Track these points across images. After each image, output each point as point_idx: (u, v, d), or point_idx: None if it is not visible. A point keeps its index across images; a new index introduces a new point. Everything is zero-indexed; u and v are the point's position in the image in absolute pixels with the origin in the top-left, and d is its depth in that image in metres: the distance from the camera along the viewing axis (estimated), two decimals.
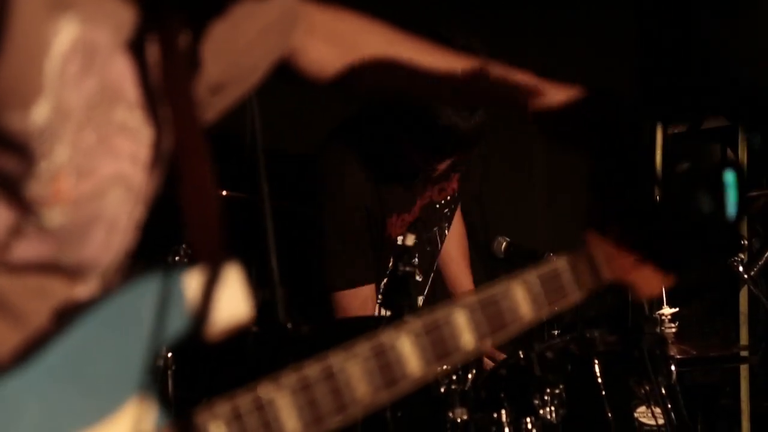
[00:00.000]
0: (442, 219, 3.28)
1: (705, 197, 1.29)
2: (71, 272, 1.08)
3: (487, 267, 3.58)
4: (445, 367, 1.19)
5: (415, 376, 1.15)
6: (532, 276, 1.25)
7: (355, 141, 3.07)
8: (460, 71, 1.43)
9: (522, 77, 1.39)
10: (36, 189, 1.01)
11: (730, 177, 1.27)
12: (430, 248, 3.23)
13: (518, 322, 1.22)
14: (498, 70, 1.40)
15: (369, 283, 3.05)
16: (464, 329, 1.19)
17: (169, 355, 2.41)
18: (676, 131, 4.05)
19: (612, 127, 1.36)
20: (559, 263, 1.26)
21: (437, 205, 3.22)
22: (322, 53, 1.42)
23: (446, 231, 3.31)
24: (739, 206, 1.26)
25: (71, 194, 1.03)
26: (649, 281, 1.27)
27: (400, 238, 3.11)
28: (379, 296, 3.13)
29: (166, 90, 1.09)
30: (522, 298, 1.23)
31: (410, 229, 2.59)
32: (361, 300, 3.00)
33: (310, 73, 1.43)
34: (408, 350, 1.15)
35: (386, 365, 1.13)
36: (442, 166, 3.01)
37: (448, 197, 3.27)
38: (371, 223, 3.07)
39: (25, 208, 1.02)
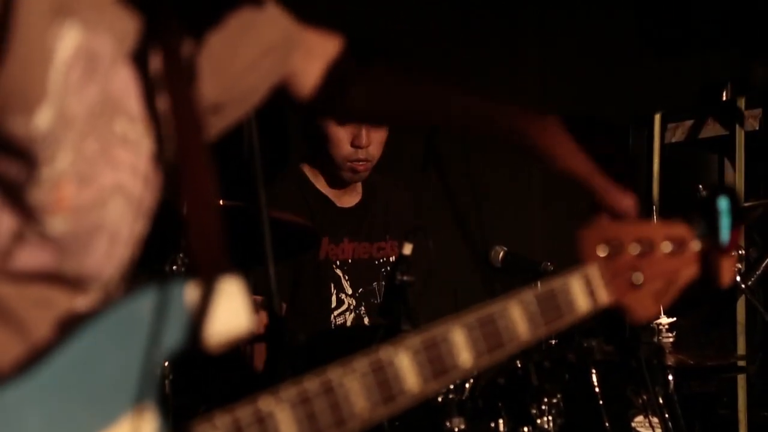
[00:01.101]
0: (380, 277, 3.33)
1: (700, 224, 1.30)
2: (73, 283, 1.08)
3: (484, 276, 3.58)
4: (443, 385, 1.18)
5: (413, 393, 1.15)
6: (529, 296, 1.25)
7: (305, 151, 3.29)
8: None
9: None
10: (38, 195, 1.02)
11: (723, 203, 1.27)
12: (374, 300, 3.28)
13: (515, 342, 1.23)
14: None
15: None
16: (462, 347, 1.19)
17: (166, 364, 2.41)
18: (673, 140, 4.06)
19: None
20: (556, 283, 1.27)
21: (376, 262, 3.29)
22: (319, 77, 1.42)
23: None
24: (732, 232, 1.27)
25: (73, 202, 1.03)
26: (645, 303, 1.28)
27: (333, 265, 3.20)
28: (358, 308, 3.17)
29: (169, 102, 1.09)
30: (519, 318, 1.23)
31: (408, 238, 2.59)
32: None
33: (306, 96, 1.43)
34: (406, 366, 1.15)
35: (384, 381, 1.13)
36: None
37: (386, 258, 3.34)
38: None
39: (27, 214, 1.02)
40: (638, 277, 1.27)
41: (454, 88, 1.45)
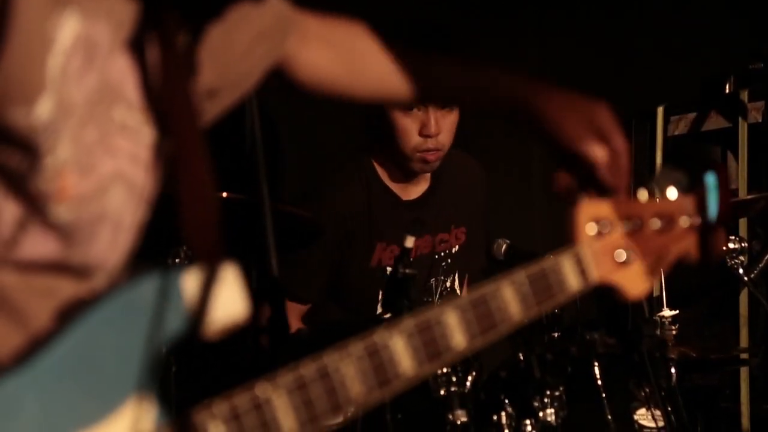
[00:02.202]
0: (440, 272, 3.20)
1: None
2: (78, 272, 1.09)
3: (487, 269, 3.58)
4: (438, 367, 1.19)
5: (407, 376, 1.16)
6: (521, 276, 1.26)
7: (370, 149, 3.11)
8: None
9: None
10: (41, 185, 1.02)
11: (711, 179, 1.28)
12: (428, 299, 3.15)
13: (508, 322, 1.23)
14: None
15: (303, 303, 3.03)
16: (455, 329, 1.20)
17: (170, 354, 2.41)
18: (676, 133, 4.06)
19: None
20: (547, 263, 1.27)
21: (436, 256, 3.16)
22: (316, 59, 1.42)
23: (446, 285, 3.24)
24: (720, 207, 1.27)
25: (75, 191, 1.04)
26: (636, 281, 1.28)
27: (390, 269, 3.07)
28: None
29: (166, 91, 1.09)
30: (511, 298, 1.24)
31: (410, 232, 2.58)
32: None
33: (304, 80, 1.43)
34: (401, 350, 1.16)
35: (379, 365, 1.14)
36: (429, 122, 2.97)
37: (448, 250, 3.20)
38: (354, 245, 3.05)
39: (31, 203, 1.03)
40: (621, 254, 1.27)
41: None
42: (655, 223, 1.29)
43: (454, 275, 3.21)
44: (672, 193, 1.30)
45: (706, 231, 1.29)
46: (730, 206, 1.27)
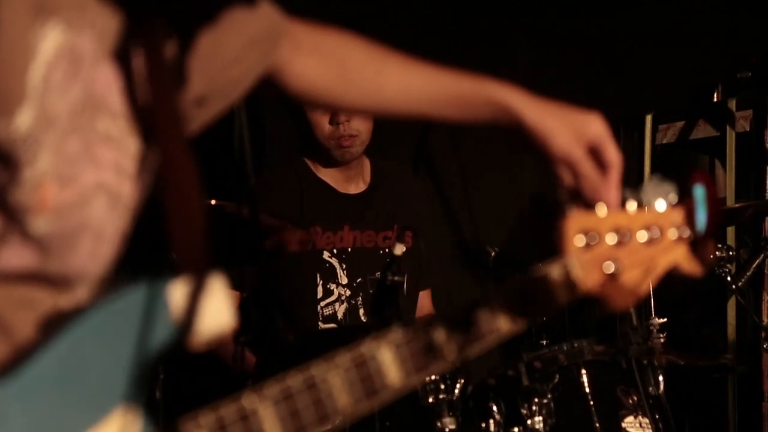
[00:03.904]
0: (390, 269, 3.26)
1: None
2: (58, 282, 1.08)
3: (476, 276, 3.59)
4: (425, 378, 1.19)
5: (395, 387, 1.16)
6: (510, 288, 1.26)
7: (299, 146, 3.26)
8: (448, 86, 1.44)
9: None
10: (20, 196, 1.01)
11: (699, 191, 1.28)
12: (363, 295, 3.22)
13: (496, 334, 1.24)
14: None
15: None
16: (444, 340, 1.20)
17: (157, 365, 2.40)
18: (664, 142, 4.07)
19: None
20: (535, 275, 1.27)
21: (381, 252, 3.23)
22: (306, 68, 1.42)
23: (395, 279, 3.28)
24: (709, 219, 1.27)
25: (55, 202, 1.03)
26: (623, 293, 1.28)
27: (326, 254, 3.17)
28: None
29: (151, 101, 1.09)
30: (500, 310, 1.24)
31: (399, 239, 2.59)
32: None
33: (294, 89, 1.43)
34: (388, 361, 1.16)
35: (367, 376, 1.14)
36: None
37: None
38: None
39: (9, 215, 1.02)
40: (609, 266, 1.27)
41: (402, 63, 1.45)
42: (644, 235, 1.29)
43: (404, 276, 3.23)
44: (660, 204, 1.30)
45: (694, 243, 1.29)
46: (718, 218, 1.27)
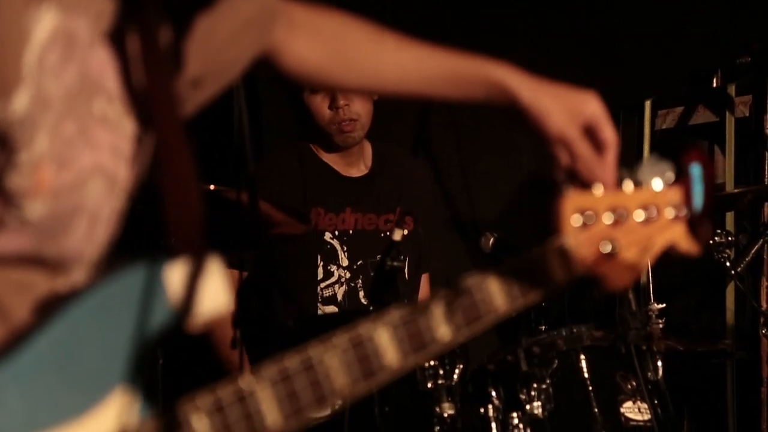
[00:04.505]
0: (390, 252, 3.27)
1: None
2: (53, 265, 1.08)
3: (475, 262, 3.59)
4: (423, 359, 1.19)
5: (392, 368, 1.16)
6: (507, 269, 1.25)
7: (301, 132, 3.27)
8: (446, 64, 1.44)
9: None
10: (17, 180, 1.01)
11: (696, 170, 1.27)
12: (363, 278, 3.23)
13: (493, 314, 1.23)
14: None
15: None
16: (441, 321, 1.20)
17: (155, 347, 2.40)
18: (664, 127, 4.06)
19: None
20: (532, 255, 1.27)
21: (382, 235, 3.24)
22: (303, 49, 1.41)
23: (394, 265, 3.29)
24: (706, 198, 1.27)
25: (52, 185, 1.03)
26: (620, 273, 1.28)
27: (328, 235, 3.18)
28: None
29: (146, 83, 1.09)
30: (496, 290, 1.24)
31: (398, 224, 2.60)
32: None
33: (291, 69, 1.42)
34: (385, 342, 1.16)
35: (364, 357, 1.14)
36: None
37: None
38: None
39: (6, 200, 1.02)
40: (606, 246, 1.27)
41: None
42: (641, 215, 1.28)
43: (403, 261, 3.23)
44: (657, 184, 1.30)
45: (692, 222, 1.29)
46: (715, 197, 1.27)
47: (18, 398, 0.99)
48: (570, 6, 4.35)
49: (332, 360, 1.12)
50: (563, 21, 4.34)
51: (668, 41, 4.15)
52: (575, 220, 1.27)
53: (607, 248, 1.26)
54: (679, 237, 1.30)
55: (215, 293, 1.05)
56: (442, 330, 1.20)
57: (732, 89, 3.87)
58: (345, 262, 3.19)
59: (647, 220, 1.28)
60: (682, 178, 1.29)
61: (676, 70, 4.07)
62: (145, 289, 1.04)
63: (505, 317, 1.23)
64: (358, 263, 3.21)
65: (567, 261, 1.26)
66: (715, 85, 3.99)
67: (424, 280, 3.38)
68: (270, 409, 1.07)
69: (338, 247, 3.19)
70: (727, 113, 3.87)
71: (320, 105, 3.16)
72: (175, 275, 1.05)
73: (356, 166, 3.29)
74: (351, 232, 3.21)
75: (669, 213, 1.29)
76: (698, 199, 1.27)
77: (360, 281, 3.20)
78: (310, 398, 1.10)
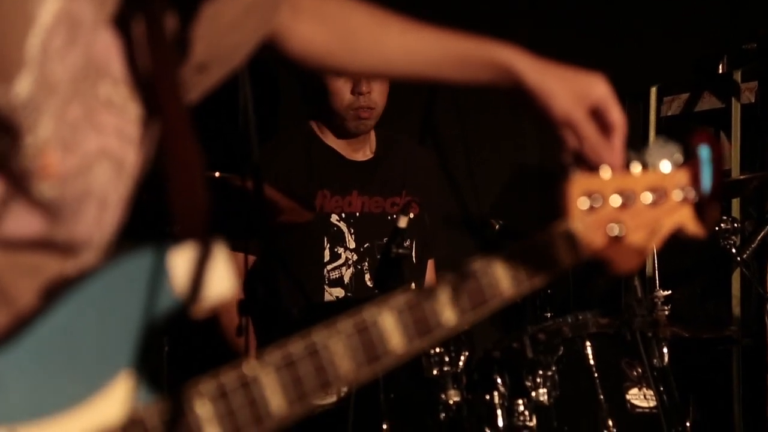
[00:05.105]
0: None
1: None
2: (64, 249, 1.08)
3: (480, 249, 3.58)
4: (427, 344, 1.18)
5: (397, 353, 1.16)
6: (513, 252, 1.25)
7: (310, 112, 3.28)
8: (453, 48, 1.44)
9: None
10: (23, 163, 1.01)
11: (705, 152, 1.27)
12: (369, 260, 3.23)
13: (498, 298, 1.23)
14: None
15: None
16: (446, 305, 1.19)
17: (161, 333, 2.40)
18: (669, 114, 4.05)
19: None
20: (539, 238, 1.26)
21: (389, 218, 3.23)
22: (308, 33, 1.41)
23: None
24: (714, 182, 1.26)
25: (59, 169, 1.03)
26: (628, 256, 1.27)
27: (334, 217, 3.18)
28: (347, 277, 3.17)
29: (152, 67, 1.08)
30: (502, 274, 1.23)
31: (403, 211, 2.59)
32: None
33: (296, 53, 1.42)
34: (390, 327, 1.15)
35: (369, 342, 1.14)
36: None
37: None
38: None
39: (14, 181, 1.02)
40: (613, 228, 1.26)
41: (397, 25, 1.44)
42: (648, 197, 1.28)
43: (412, 242, 3.23)
44: (665, 166, 1.29)
45: (699, 204, 1.28)
46: (724, 179, 1.26)
47: (22, 382, 0.99)
48: None
49: (337, 345, 1.11)
50: (568, 7, 4.32)
51: (674, 27, 4.13)
52: (582, 203, 1.26)
53: (614, 231, 1.26)
54: (686, 220, 1.29)
55: (220, 279, 1.05)
56: (447, 314, 1.19)
57: (738, 75, 3.86)
58: (352, 245, 3.19)
59: (655, 203, 1.28)
60: (690, 160, 1.28)
61: (682, 56, 4.05)
62: (150, 275, 1.04)
63: (511, 301, 1.23)
64: (365, 246, 3.20)
65: (574, 244, 1.26)
66: (720, 71, 3.98)
67: (430, 266, 3.38)
68: (274, 395, 1.07)
69: (345, 229, 3.19)
70: (733, 100, 3.87)
71: (342, 88, 3.14)
72: (180, 261, 1.05)
73: (361, 150, 3.29)
74: (358, 214, 3.21)
75: (677, 195, 1.28)
76: (707, 181, 1.26)
77: (367, 263, 3.20)
78: (315, 384, 1.10)
